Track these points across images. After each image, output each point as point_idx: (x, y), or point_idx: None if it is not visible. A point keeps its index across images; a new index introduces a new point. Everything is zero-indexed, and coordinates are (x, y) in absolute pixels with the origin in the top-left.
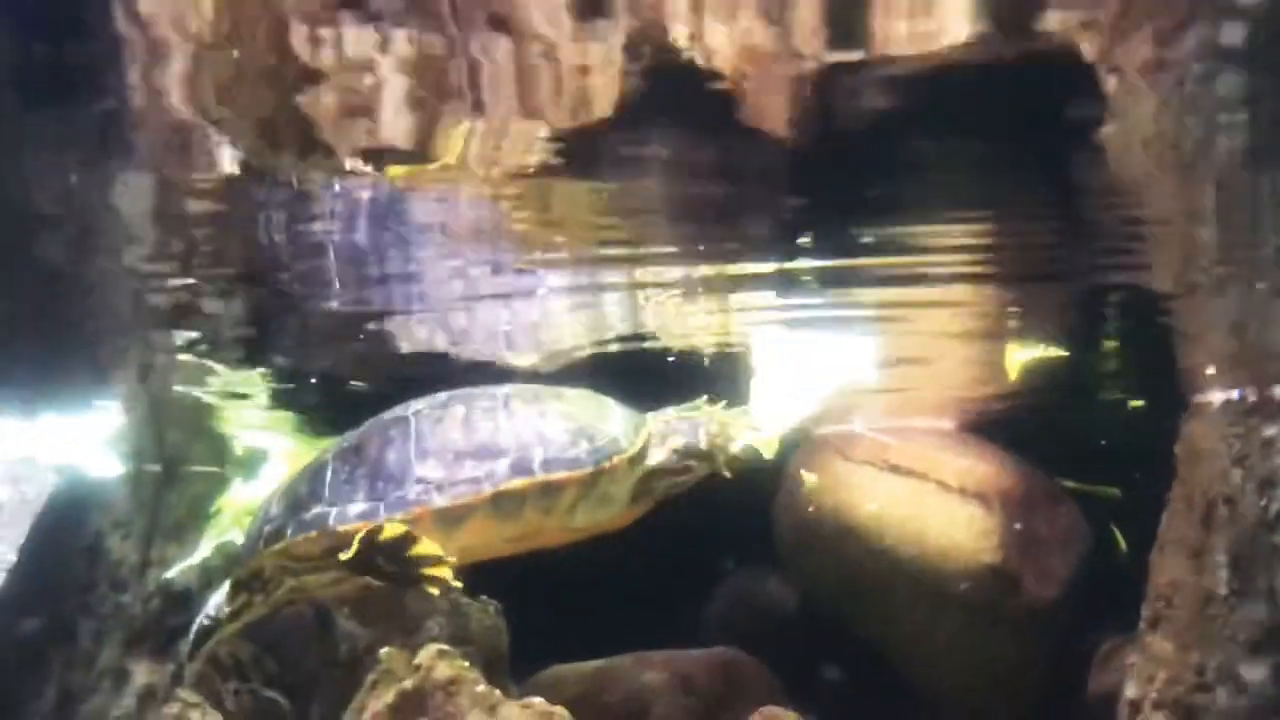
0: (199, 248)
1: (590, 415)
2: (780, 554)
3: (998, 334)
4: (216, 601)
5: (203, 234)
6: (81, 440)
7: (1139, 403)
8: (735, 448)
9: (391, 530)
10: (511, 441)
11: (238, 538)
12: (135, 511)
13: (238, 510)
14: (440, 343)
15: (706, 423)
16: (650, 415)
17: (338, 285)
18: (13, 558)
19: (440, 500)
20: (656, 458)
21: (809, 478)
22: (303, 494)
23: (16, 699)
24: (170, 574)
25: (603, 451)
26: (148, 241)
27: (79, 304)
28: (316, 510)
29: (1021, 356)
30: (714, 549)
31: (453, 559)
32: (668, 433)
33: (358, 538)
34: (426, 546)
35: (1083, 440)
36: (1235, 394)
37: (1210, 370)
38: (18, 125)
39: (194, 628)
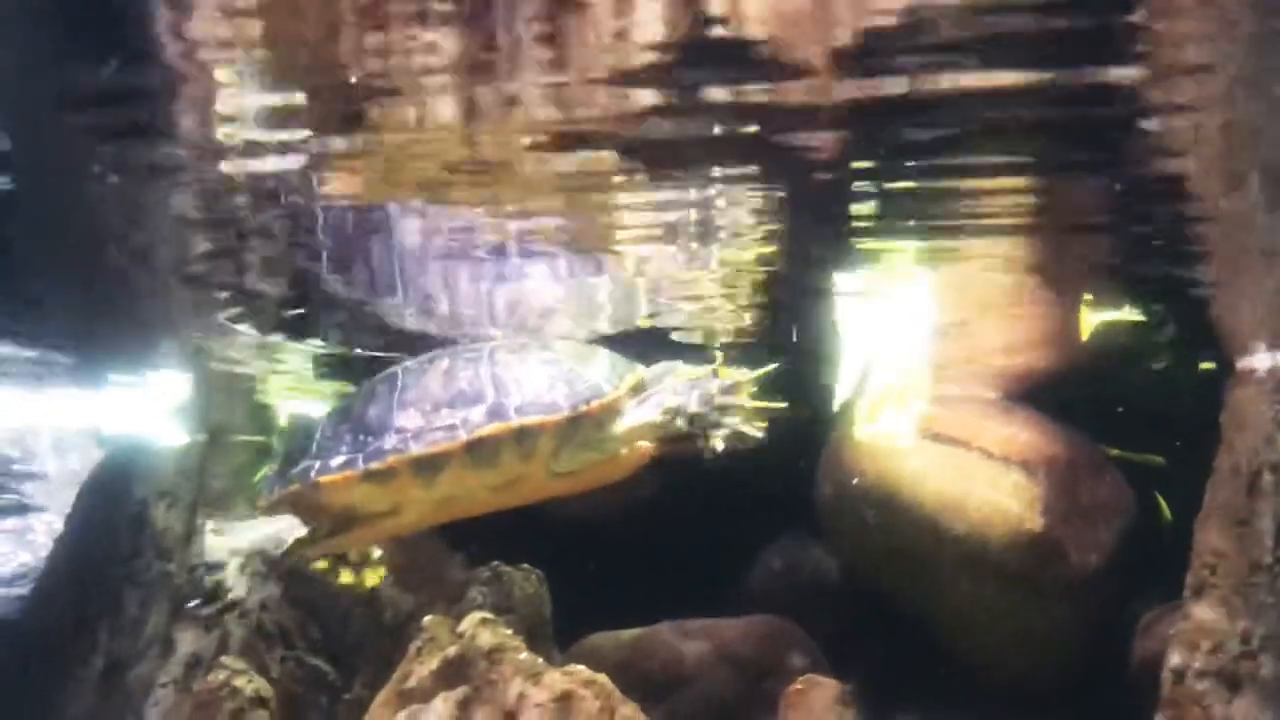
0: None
1: (572, 362)
2: (822, 522)
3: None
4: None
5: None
6: (146, 411)
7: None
8: (726, 425)
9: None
10: (489, 388)
11: None
12: (179, 481)
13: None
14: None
15: (704, 389)
16: (647, 368)
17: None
18: (60, 526)
19: (416, 448)
20: (644, 413)
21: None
22: (295, 453)
23: (66, 666)
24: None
25: (580, 396)
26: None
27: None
28: (303, 465)
29: (1094, 319)
30: (756, 517)
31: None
32: (662, 389)
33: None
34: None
35: (1134, 407)
36: None
37: (1255, 336)
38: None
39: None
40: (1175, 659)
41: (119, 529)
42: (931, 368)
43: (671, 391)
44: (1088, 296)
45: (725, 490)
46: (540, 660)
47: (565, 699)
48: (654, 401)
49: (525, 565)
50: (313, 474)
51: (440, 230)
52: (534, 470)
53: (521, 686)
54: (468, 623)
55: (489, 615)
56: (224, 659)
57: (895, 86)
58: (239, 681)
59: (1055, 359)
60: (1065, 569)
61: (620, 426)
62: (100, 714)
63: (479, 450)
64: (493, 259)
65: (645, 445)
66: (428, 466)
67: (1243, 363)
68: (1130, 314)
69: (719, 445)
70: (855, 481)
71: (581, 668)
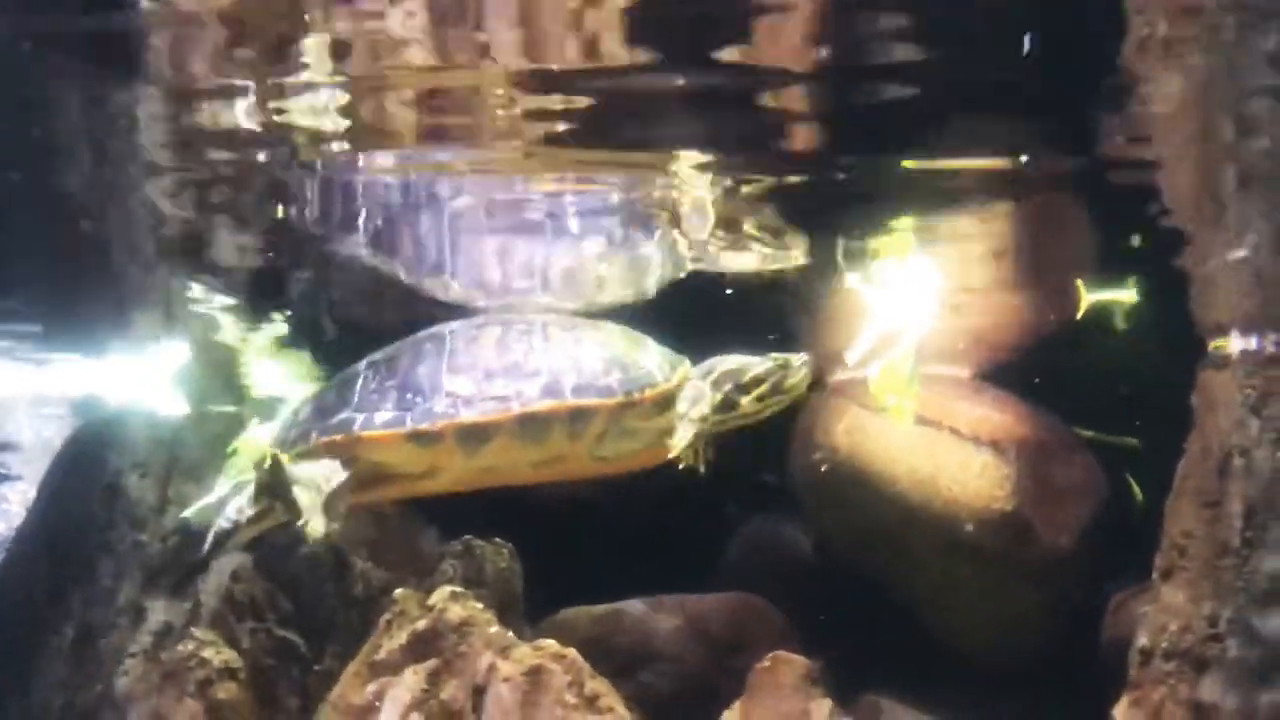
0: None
1: (626, 348)
2: (795, 500)
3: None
4: (238, 504)
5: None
6: (124, 380)
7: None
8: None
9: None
10: (544, 364)
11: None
12: (153, 451)
13: (254, 450)
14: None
15: (751, 381)
16: (705, 366)
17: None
18: (33, 495)
19: (467, 415)
20: (694, 408)
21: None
22: (331, 401)
23: (37, 635)
24: (188, 513)
25: (635, 383)
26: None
27: (100, 239)
28: (343, 415)
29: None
30: (730, 494)
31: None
32: (706, 386)
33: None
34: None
35: (1115, 388)
36: (1254, 343)
37: (1228, 318)
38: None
39: (213, 530)
40: (1143, 640)
41: (92, 499)
42: (908, 346)
43: (688, 396)
44: (1080, 276)
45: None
46: (510, 634)
47: (535, 673)
48: (703, 401)
49: (497, 540)
50: (355, 426)
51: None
52: (577, 451)
53: (491, 660)
54: (438, 596)
55: (460, 589)
56: (193, 630)
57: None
58: (208, 652)
59: (1033, 338)
60: (1035, 549)
61: (665, 418)
62: (72, 682)
63: (530, 425)
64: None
65: (684, 438)
66: (475, 435)
67: (1214, 345)
68: (1125, 294)
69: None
70: (826, 460)
71: (551, 642)
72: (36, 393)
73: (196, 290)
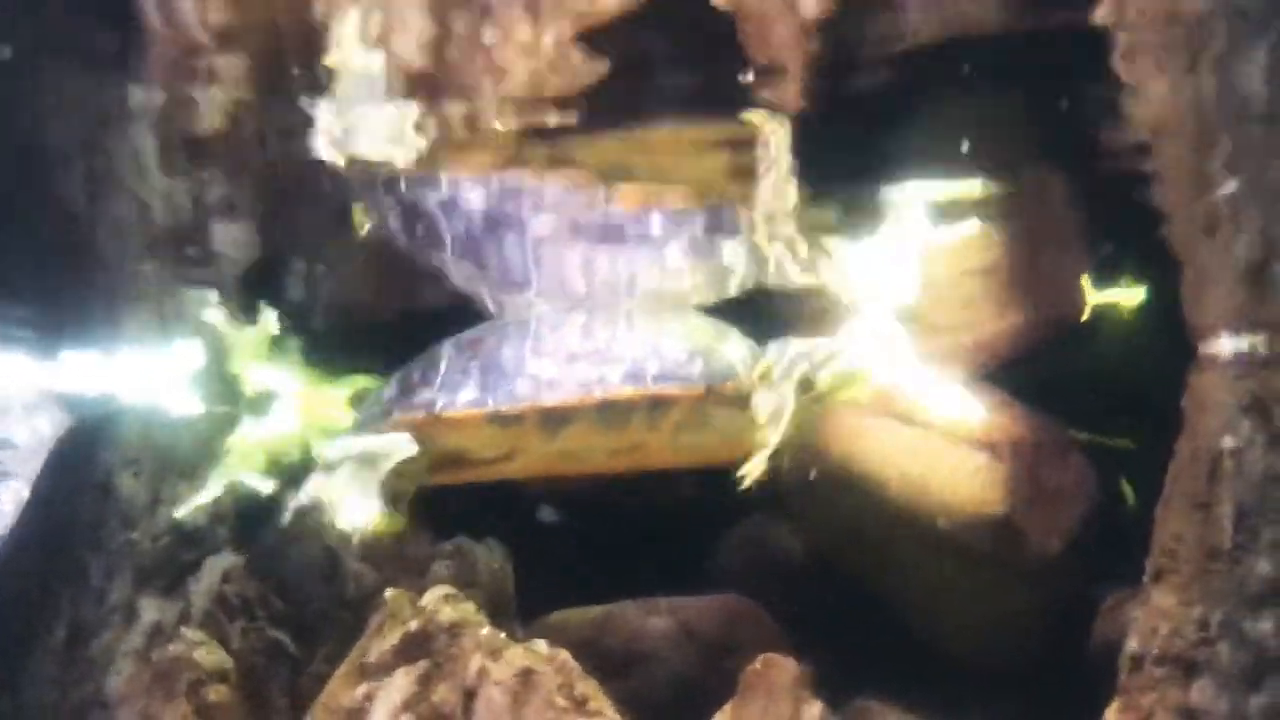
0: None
1: (710, 337)
2: (787, 502)
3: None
4: (315, 482)
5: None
6: (165, 379)
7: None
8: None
9: None
10: (627, 350)
11: (248, 477)
12: (146, 450)
13: (247, 449)
14: None
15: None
16: (774, 349)
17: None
18: (26, 494)
19: (548, 398)
20: (771, 399)
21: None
22: (415, 379)
23: (28, 635)
24: (180, 513)
25: (718, 374)
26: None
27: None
28: (425, 395)
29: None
30: (722, 495)
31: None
32: (784, 374)
33: None
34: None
35: (1112, 389)
36: (1245, 345)
37: (1219, 319)
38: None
39: (289, 508)
40: (1133, 644)
41: (84, 497)
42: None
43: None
44: (1084, 275)
45: (693, 468)
46: (502, 636)
47: (526, 675)
48: (779, 389)
49: (490, 541)
50: (438, 406)
51: None
52: (655, 440)
53: (482, 662)
54: (430, 597)
55: (452, 590)
56: (184, 630)
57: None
58: (199, 653)
59: (1029, 338)
60: (1026, 552)
61: (746, 410)
62: (63, 682)
63: (610, 411)
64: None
65: (763, 435)
66: (555, 419)
67: (1205, 347)
68: (1129, 293)
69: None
70: (817, 459)
71: (543, 644)
72: (32, 390)
73: (190, 286)
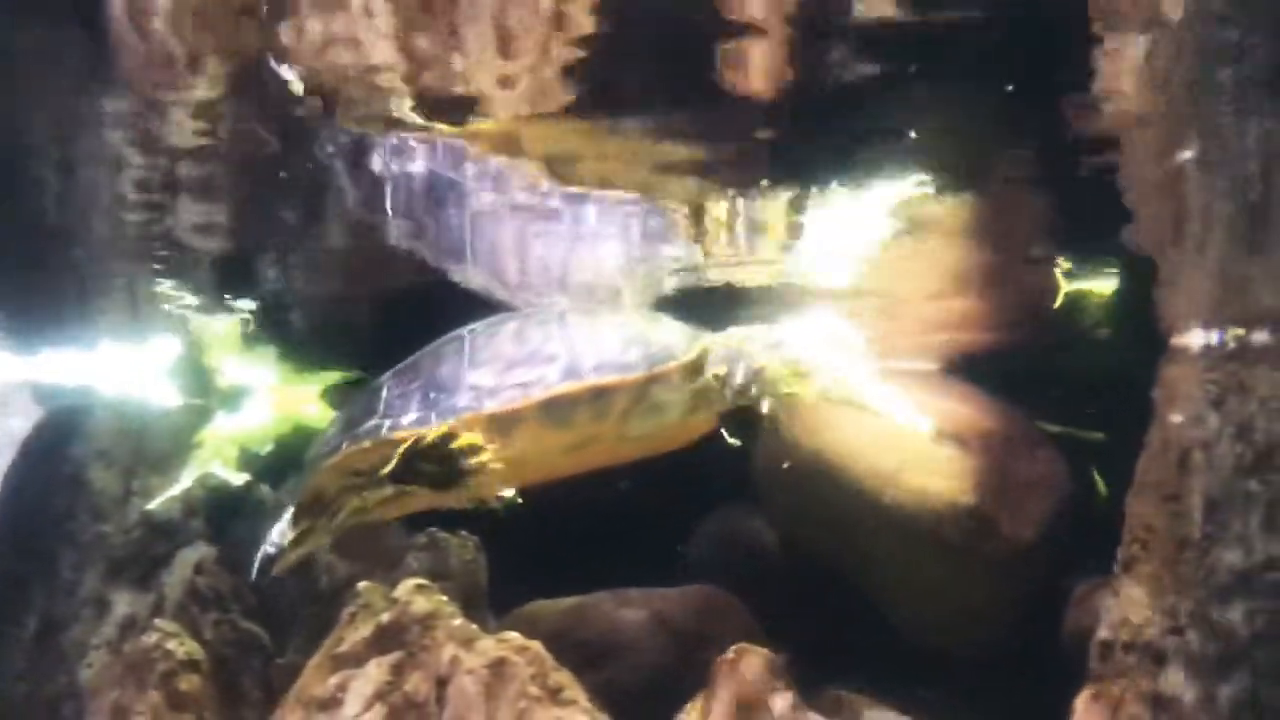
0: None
1: (645, 325)
2: (760, 493)
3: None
4: (280, 529)
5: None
6: (139, 372)
7: None
8: (771, 393)
9: (434, 432)
10: (563, 348)
11: (220, 470)
12: (118, 442)
13: (219, 442)
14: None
15: (748, 361)
16: (721, 335)
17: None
18: None
19: (491, 405)
20: (710, 375)
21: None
22: (357, 413)
23: None
24: (152, 505)
25: (656, 357)
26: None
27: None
28: (370, 424)
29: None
30: (695, 486)
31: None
32: (724, 356)
33: (400, 449)
34: (468, 439)
35: (1084, 381)
36: (1215, 337)
37: (1189, 312)
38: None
39: (258, 557)
40: (1103, 633)
41: (55, 489)
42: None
43: (722, 360)
44: (1061, 266)
45: (665, 458)
46: (475, 627)
47: (498, 665)
48: (717, 368)
49: (462, 533)
50: (384, 430)
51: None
52: (605, 432)
53: (455, 652)
54: (402, 589)
55: (424, 582)
56: (157, 621)
57: None
58: (171, 644)
59: (999, 332)
60: (998, 542)
61: (691, 391)
62: (33, 675)
63: (554, 409)
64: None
65: (713, 410)
66: (501, 425)
67: (1176, 339)
68: (1102, 284)
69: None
70: (790, 451)
71: (515, 635)
72: (3, 383)
73: (163, 280)
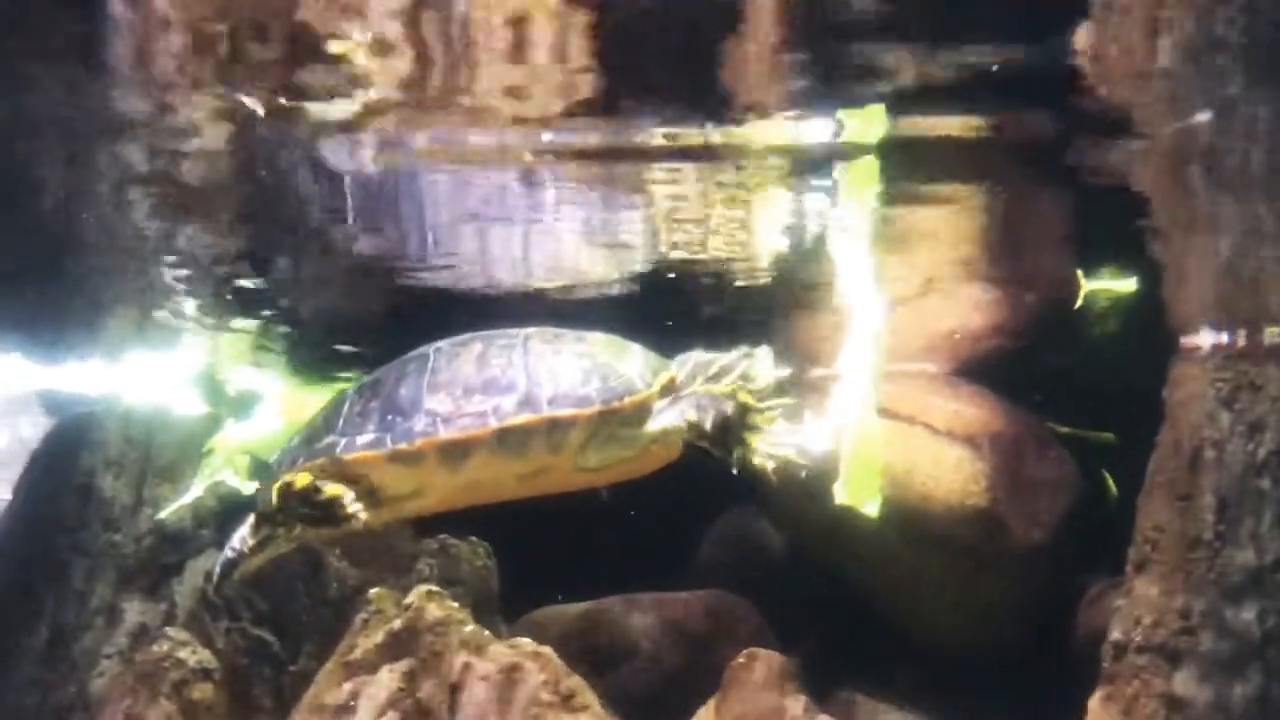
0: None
1: (607, 356)
2: (768, 496)
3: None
4: (241, 535)
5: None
6: (166, 380)
7: None
8: (743, 448)
9: (300, 480)
10: (522, 377)
11: (230, 478)
12: (127, 451)
13: (230, 450)
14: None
15: (719, 409)
16: (677, 363)
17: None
18: (8, 497)
19: (445, 433)
20: (672, 417)
21: None
22: (319, 427)
23: (10, 636)
24: (163, 514)
25: (613, 391)
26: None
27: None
28: (328, 440)
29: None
30: (703, 491)
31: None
32: (689, 395)
33: (275, 489)
34: (331, 490)
35: (1094, 382)
36: (1225, 337)
37: (1200, 312)
38: None
39: (219, 562)
40: (1116, 633)
41: (66, 499)
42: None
43: (694, 404)
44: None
45: (674, 464)
46: (486, 633)
47: (510, 671)
48: (679, 408)
49: (473, 539)
50: (338, 450)
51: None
52: (561, 462)
53: (467, 659)
54: (414, 595)
55: (436, 588)
56: (168, 630)
57: None
58: (183, 653)
59: (1009, 333)
60: (1008, 543)
61: (650, 425)
62: (45, 684)
63: (508, 439)
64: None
65: (673, 444)
66: (455, 452)
67: (1186, 339)
68: (1121, 284)
69: (732, 463)
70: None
71: (527, 640)
72: (13, 392)
73: (172, 289)
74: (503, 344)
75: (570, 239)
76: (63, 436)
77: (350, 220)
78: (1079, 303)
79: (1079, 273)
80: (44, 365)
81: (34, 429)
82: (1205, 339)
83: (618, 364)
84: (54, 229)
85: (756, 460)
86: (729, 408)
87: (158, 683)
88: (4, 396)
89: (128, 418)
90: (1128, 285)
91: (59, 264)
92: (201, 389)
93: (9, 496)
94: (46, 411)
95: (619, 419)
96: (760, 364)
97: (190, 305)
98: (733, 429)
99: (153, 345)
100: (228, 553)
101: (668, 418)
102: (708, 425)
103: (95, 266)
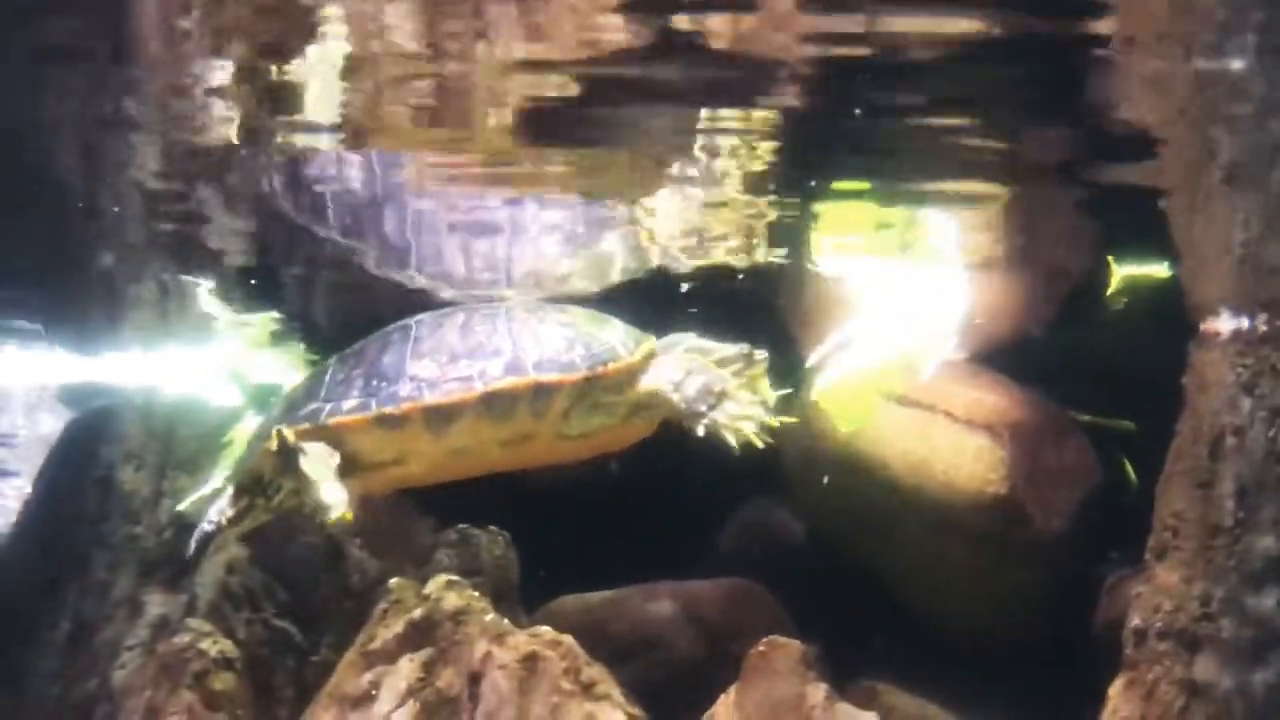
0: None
1: (590, 326)
2: (789, 485)
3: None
4: (219, 506)
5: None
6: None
7: None
8: (719, 420)
9: (283, 437)
10: (507, 343)
11: None
12: (147, 443)
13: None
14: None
15: (703, 379)
16: (660, 339)
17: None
18: (29, 490)
19: (431, 397)
20: (654, 381)
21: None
22: (300, 396)
23: (31, 630)
24: (183, 505)
25: (598, 357)
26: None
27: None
28: (311, 407)
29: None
30: (723, 479)
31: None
32: (670, 362)
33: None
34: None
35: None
36: (1246, 322)
37: (1219, 297)
38: None
39: (196, 533)
40: (1136, 620)
41: (86, 491)
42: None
43: (675, 367)
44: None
45: (693, 452)
46: (506, 622)
47: (530, 660)
48: (663, 370)
49: (493, 528)
50: (323, 415)
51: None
52: (545, 429)
53: (487, 648)
54: (434, 585)
55: (455, 578)
56: (189, 621)
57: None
58: (204, 643)
59: (1029, 321)
60: (1029, 531)
61: (633, 393)
62: (67, 676)
63: (494, 403)
64: None
65: (654, 415)
66: (441, 416)
67: (1206, 325)
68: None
69: (700, 433)
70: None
71: (547, 629)
72: (33, 385)
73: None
74: (486, 313)
75: None
76: (82, 429)
77: None
78: (1109, 289)
79: (1109, 258)
80: (68, 358)
81: (54, 422)
82: (1225, 324)
83: (600, 333)
84: (76, 221)
85: (723, 431)
86: (711, 377)
87: (179, 673)
88: (24, 388)
89: (147, 411)
90: (1160, 271)
91: (80, 256)
92: (203, 380)
93: (29, 490)
94: (66, 405)
95: (603, 385)
96: (756, 367)
97: (211, 297)
98: (711, 395)
99: (178, 338)
100: (205, 525)
101: (652, 378)
102: (690, 389)
103: (117, 257)
